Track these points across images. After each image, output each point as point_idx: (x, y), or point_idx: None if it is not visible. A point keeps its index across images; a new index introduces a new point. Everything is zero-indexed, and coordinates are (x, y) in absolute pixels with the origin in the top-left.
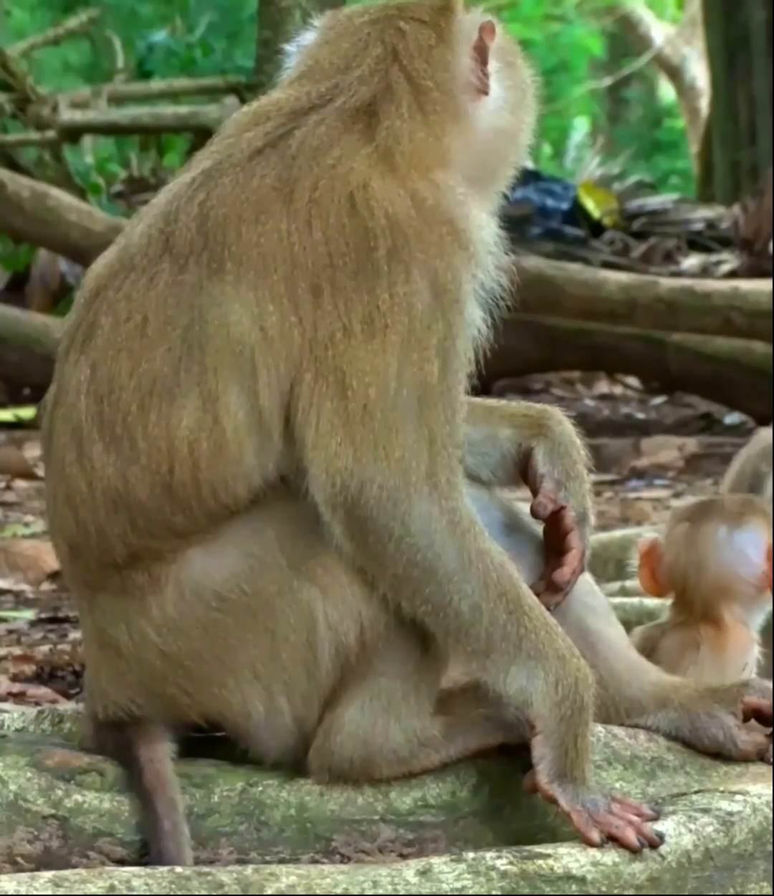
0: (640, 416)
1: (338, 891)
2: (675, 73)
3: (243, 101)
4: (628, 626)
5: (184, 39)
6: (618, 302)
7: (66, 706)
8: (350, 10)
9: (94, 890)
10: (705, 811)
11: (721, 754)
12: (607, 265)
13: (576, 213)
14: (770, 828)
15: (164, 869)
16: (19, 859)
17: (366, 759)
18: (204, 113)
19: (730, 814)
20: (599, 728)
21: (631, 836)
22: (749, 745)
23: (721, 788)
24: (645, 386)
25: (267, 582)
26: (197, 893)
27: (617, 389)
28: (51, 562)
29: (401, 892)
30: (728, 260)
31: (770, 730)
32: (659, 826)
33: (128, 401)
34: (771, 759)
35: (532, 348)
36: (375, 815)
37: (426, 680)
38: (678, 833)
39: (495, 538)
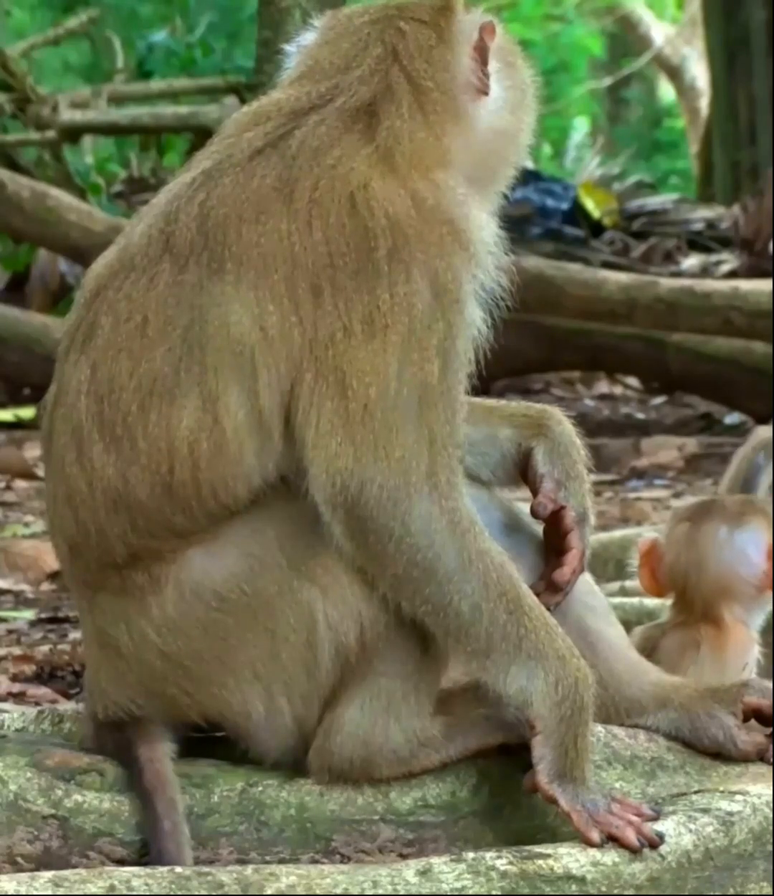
0: (640, 416)
1: (338, 891)
2: (675, 73)
3: (243, 101)
4: (628, 626)
5: (184, 39)
6: (618, 302)
7: (66, 706)
8: (350, 10)
9: (94, 890)
10: (705, 811)
11: (721, 754)
12: (607, 265)
13: (576, 213)
14: (770, 828)
15: (164, 869)
16: (19, 859)
17: (366, 759)
18: (204, 113)
19: (730, 814)
20: (599, 728)
21: (631, 836)
22: (749, 745)
23: (721, 788)
24: (644, 386)
25: (267, 582)
26: (197, 893)
27: (617, 389)
28: (51, 562)
29: (401, 892)
30: (728, 260)
31: (770, 730)
32: (659, 826)
33: (128, 401)
34: (771, 759)
35: (532, 348)
36: (375, 815)
37: (426, 680)
38: (678, 833)
39: (495, 538)
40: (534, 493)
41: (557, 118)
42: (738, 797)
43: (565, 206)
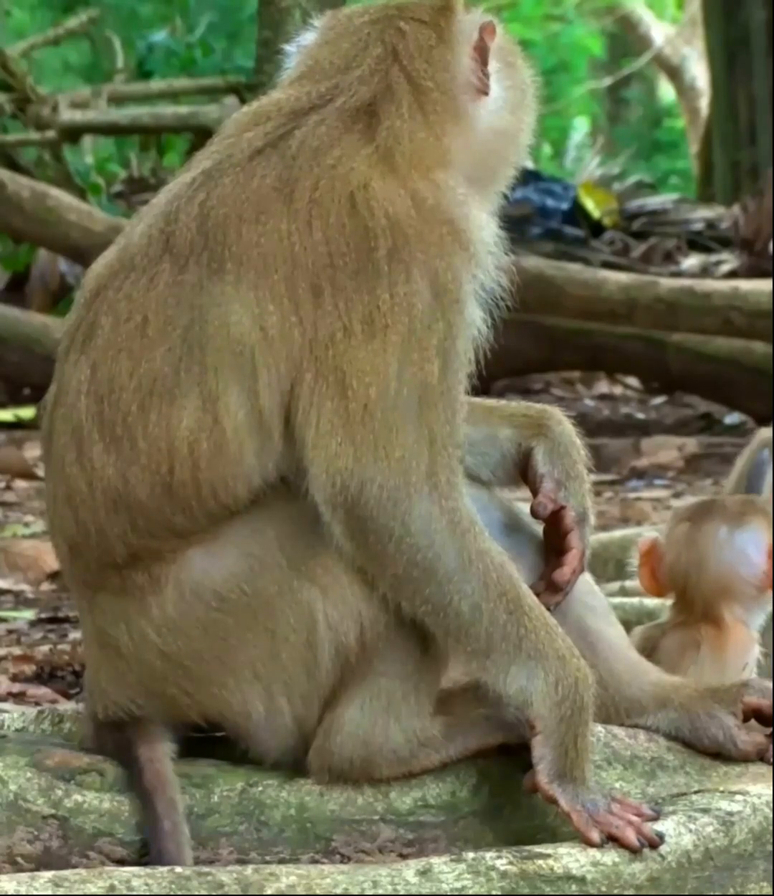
0: (640, 416)
1: (338, 891)
2: (675, 73)
3: (243, 101)
4: (628, 626)
5: (184, 39)
6: (618, 302)
7: (66, 706)
8: (350, 10)
9: (94, 890)
10: (705, 811)
11: (721, 754)
12: (607, 265)
13: (576, 213)
14: (770, 828)
15: (164, 869)
16: (19, 859)
17: (366, 759)
18: (204, 113)
19: (730, 814)
20: (599, 728)
21: (630, 836)
22: (749, 745)
23: (721, 788)
24: (645, 386)
25: (267, 582)
26: (197, 893)
27: (617, 389)
28: (51, 562)
29: (401, 892)
30: (728, 260)
31: (770, 730)
32: (659, 826)
33: (128, 401)
34: (771, 759)
35: (532, 348)
36: (375, 815)
37: (426, 680)
38: (678, 833)
39: (495, 538)
40: (534, 493)
41: (557, 118)
42: (738, 797)
43: (565, 206)
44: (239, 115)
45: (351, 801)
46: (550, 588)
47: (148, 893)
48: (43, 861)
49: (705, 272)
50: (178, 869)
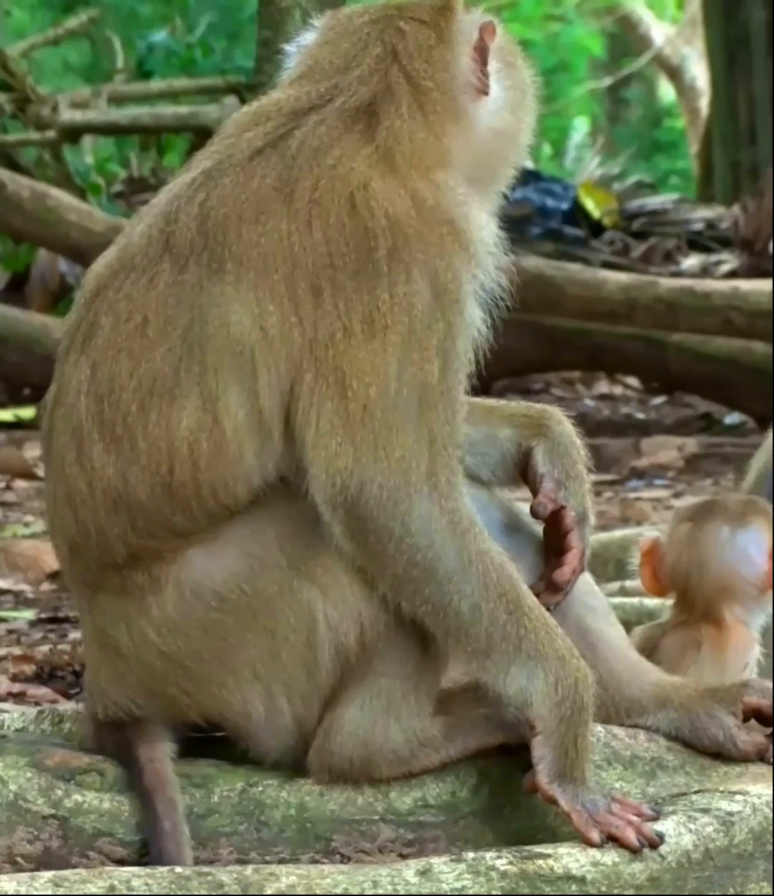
0: (640, 416)
1: (338, 891)
2: (675, 73)
3: (243, 101)
4: (628, 626)
5: (184, 39)
6: (618, 302)
7: (66, 706)
8: (350, 10)
9: (94, 890)
10: (705, 811)
11: (721, 754)
12: (607, 265)
13: (576, 213)
14: (770, 828)
15: (164, 869)
16: (19, 859)
17: (366, 759)
18: (204, 113)
19: (730, 814)
20: (599, 728)
21: (630, 837)
22: (748, 745)
23: (721, 788)
24: (645, 386)
25: (267, 582)
26: (197, 893)
27: (617, 389)
28: (51, 562)
29: (401, 892)
30: (728, 260)
31: (770, 730)
32: (659, 826)
33: (128, 401)
34: (771, 759)
35: (532, 348)
36: (375, 815)
37: (426, 680)
38: (678, 833)
39: (495, 538)
40: (534, 493)
41: (557, 118)
42: (738, 797)
43: (565, 206)
44: (239, 115)
45: (351, 801)
46: (550, 588)
47: (148, 893)
48: (43, 861)
49: (705, 272)
50: (178, 869)
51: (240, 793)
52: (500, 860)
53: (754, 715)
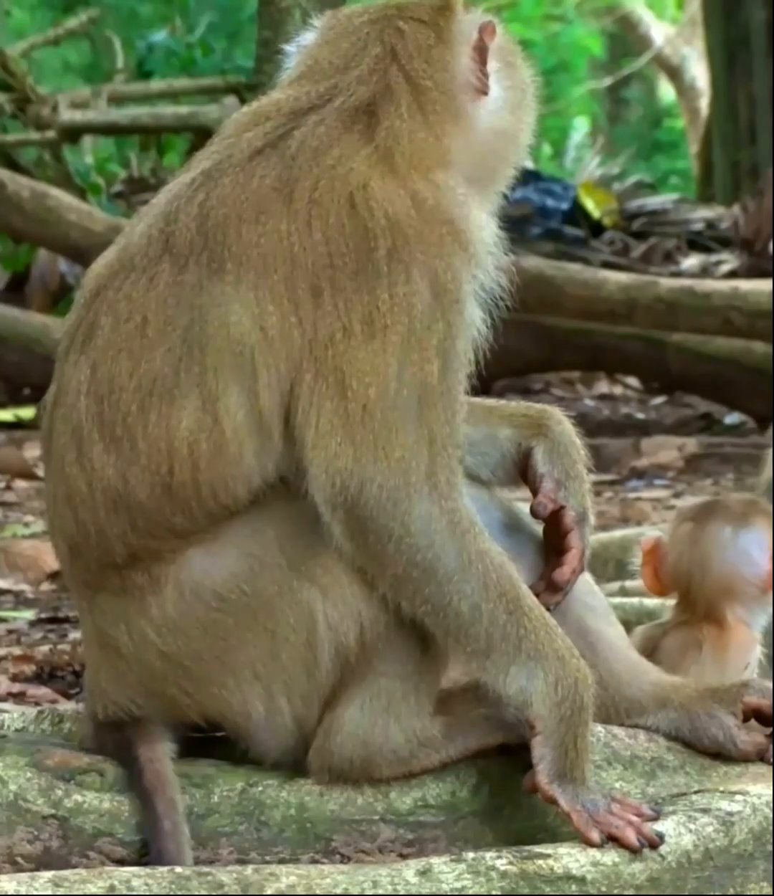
0: (640, 416)
1: (338, 891)
2: (675, 73)
3: (243, 101)
4: (628, 626)
5: (184, 39)
6: (618, 302)
7: (66, 706)
8: (350, 10)
9: (94, 890)
10: (705, 811)
11: (721, 754)
12: (607, 265)
13: (576, 213)
14: (770, 828)
15: (164, 869)
16: (19, 859)
17: (366, 759)
18: (204, 113)
19: (730, 814)
20: (599, 728)
21: (630, 837)
22: (748, 745)
23: (721, 788)
24: (645, 386)
25: (267, 582)
26: (197, 893)
27: (617, 389)
28: (51, 562)
29: (401, 892)
30: (728, 260)
31: (770, 730)
32: (659, 826)
33: (128, 401)
34: (771, 759)
35: (532, 348)
36: (375, 815)
37: (426, 680)
38: (678, 833)
39: (495, 538)
40: (534, 493)
41: (557, 118)
42: (738, 797)
43: (565, 206)
44: (239, 115)
45: (351, 801)
46: (550, 588)
47: (148, 893)
48: (43, 861)
49: (705, 272)
50: (178, 869)
51: (240, 793)
52: (500, 860)
53: (754, 715)
